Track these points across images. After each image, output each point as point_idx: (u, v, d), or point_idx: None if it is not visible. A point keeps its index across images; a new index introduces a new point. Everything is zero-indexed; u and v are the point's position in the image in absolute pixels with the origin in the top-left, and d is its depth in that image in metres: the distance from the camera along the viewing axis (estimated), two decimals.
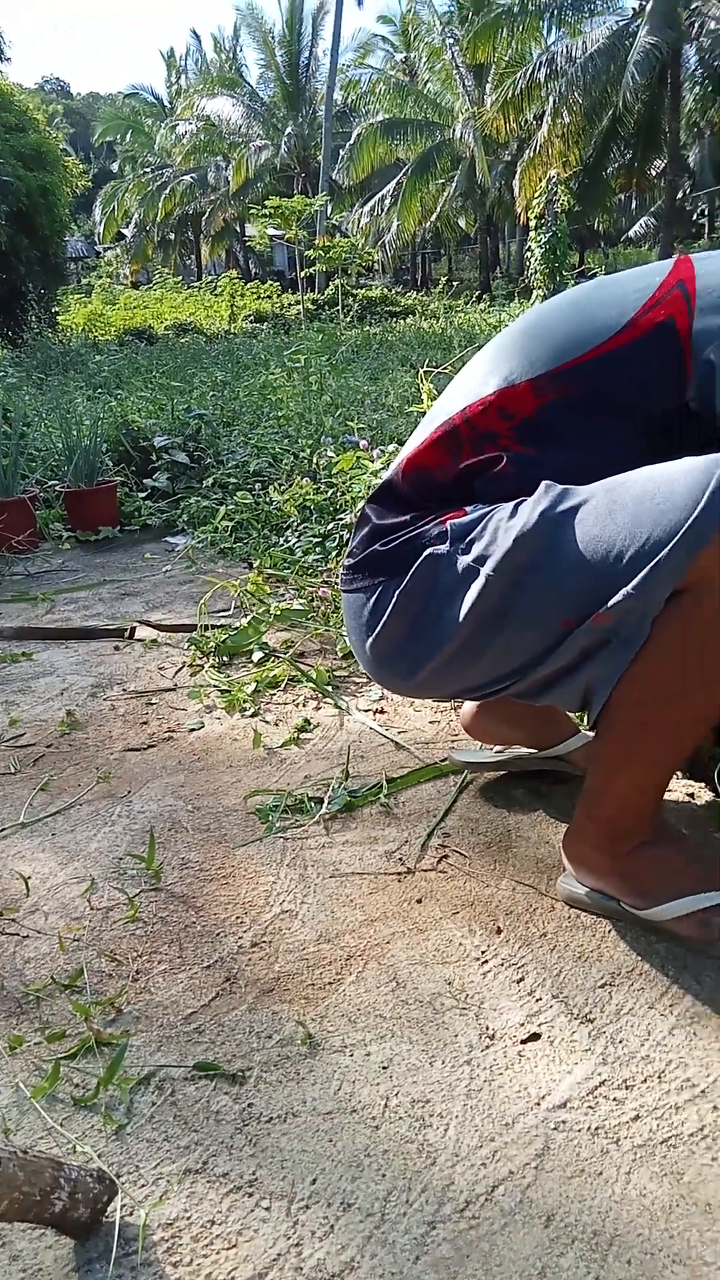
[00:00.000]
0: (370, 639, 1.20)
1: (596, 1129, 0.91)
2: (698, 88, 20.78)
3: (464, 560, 1.09)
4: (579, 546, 1.02)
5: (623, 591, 0.99)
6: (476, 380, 1.18)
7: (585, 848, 1.20)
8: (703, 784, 1.50)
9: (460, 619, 1.09)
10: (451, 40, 25.72)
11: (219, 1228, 0.84)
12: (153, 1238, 0.83)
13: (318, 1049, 1.03)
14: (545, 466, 1.11)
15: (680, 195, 23.90)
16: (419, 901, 1.27)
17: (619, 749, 1.11)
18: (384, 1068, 1.00)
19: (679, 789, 1.49)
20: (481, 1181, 0.86)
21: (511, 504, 1.09)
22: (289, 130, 30.04)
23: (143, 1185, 0.88)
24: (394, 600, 1.15)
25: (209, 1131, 0.94)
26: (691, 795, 1.48)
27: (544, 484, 1.07)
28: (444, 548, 1.11)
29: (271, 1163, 0.90)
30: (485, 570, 1.06)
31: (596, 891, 1.20)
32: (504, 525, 1.07)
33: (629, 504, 1.00)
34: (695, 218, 29.81)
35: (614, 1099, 0.94)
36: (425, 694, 1.28)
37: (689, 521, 0.95)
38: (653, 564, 0.97)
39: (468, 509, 1.13)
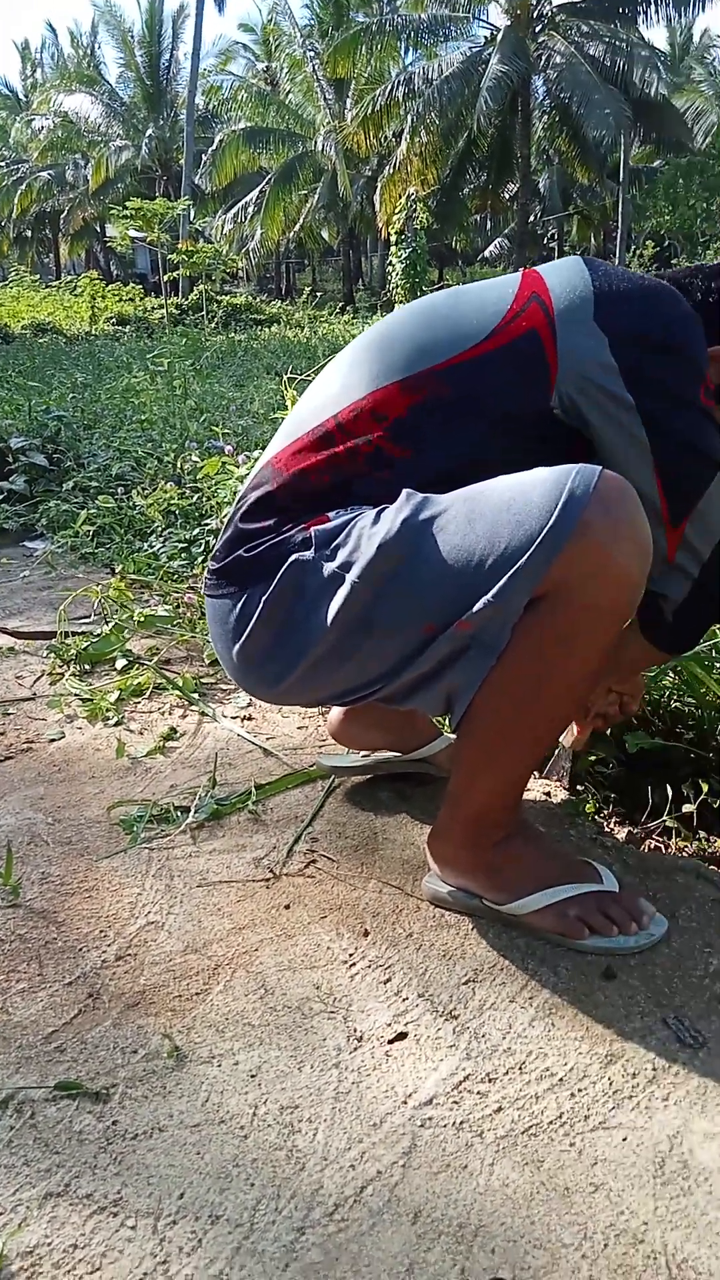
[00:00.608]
0: (237, 645, 1.19)
1: (461, 1123, 0.93)
2: (546, 117, 21.67)
3: (329, 567, 1.10)
4: (440, 554, 1.04)
5: (483, 599, 1.02)
6: (341, 384, 1.20)
7: (449, 847, 1.22)
8: (558, 782, 1.56)
9: (326, 625, 1.10)
10: (312, 53, 25.98)
11: (82, 1251, 0.81)
12: (11, 1268, 0.80)
13: (185, 1061, 1.01)
14: (421, 469, 1.13)
15: (532, 219, 24.83)
16: (287, 907, 1.27)
17: (479, 753, 1.14)
18: (252, 1076, 0.99)
19: (536, 788, 1.55)
20: (350, 1183, 0.87)
21: (374, 511, 1.11)
22: (150, 132, 29.63)
23: (0, 1213, 0.85)
24: (260, 607, 1.15)
25: (71, 1153, 0.91)
26: (548, 794, 1.54)
27: (405, 492, 1.09)
28: (309, 554, 1.12)
29: (137, 1180, 0.88)
30: (350, 577, 1.08)
31: (460, 890, 1.23)
32: (367, 532, 1.08)
33: (488, 513, 1.03)
34: (546, 240, 31.00)
35: (478, 1093, 0.96)
36: (291, 700, 1.28)
37: (545, 529, 0.99)
38: (511, 571, 1.00)
39: (330, 515, 1.14)
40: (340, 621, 1.09)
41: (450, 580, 1.04)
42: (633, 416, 1.10)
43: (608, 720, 1.47)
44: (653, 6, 20.27)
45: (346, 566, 1.08)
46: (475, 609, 1.02)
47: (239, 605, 1.17)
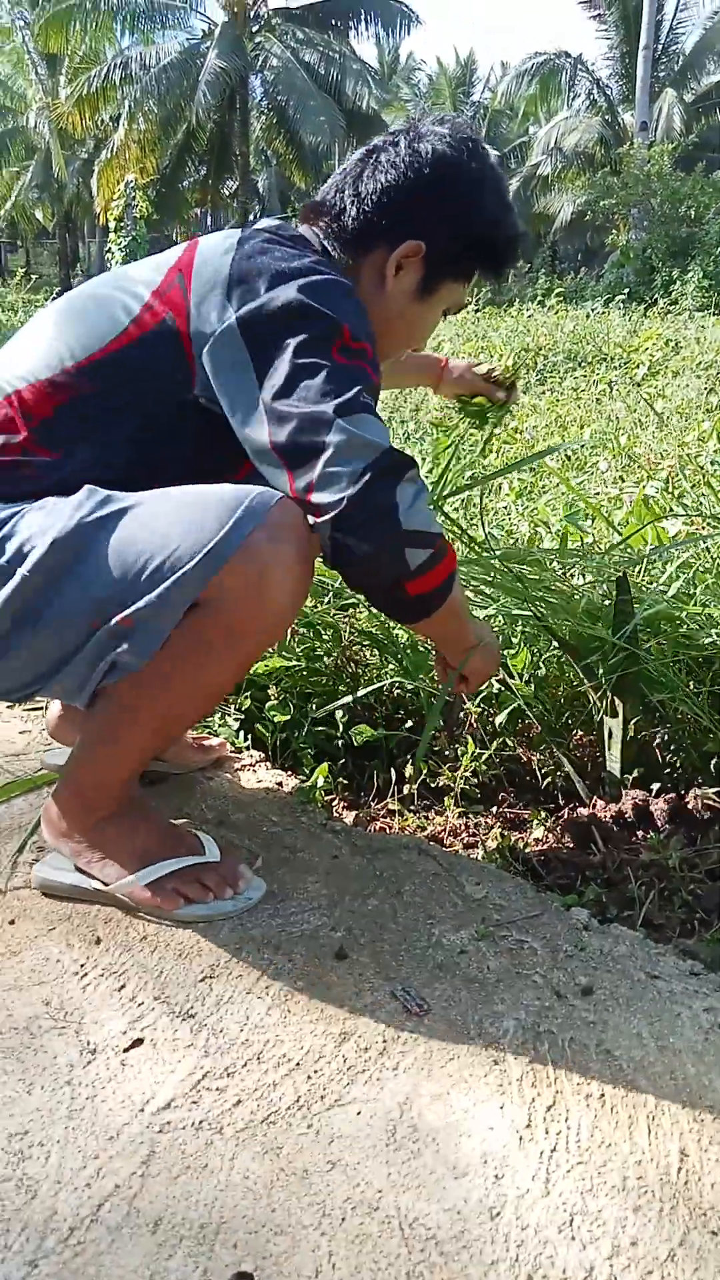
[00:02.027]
0: None
1: (201, 1122, 0.92)
2: (264, 117, 21.90)
3: None
4: (114, 553, 1.07)
5: (145, 598, 1.06)
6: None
7: (54, 811, 1.24)
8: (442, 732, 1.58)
9: None
10: (22, 22, 24.58)
11: None
12: None
13: None
14: (67, 468, 1.14)
15: (251, 218, 24.99)
16: (11, 923, 1.20)
17: (103, 728, 1.18)
18: None
19: (268, 778, 1.56)
20: (86, 1203, 0.84)
21: (44, 504, 1.11)
22: None
23: None
24: None
25: None
26: (279, 784, 1.55)
27: (87, 488, 1.11)
28: None
29: None
30: (21, 570, 1.08)
31: (77, 871, 1.24)
32: (40, 526, 1.09)
33: (164, 517, 1.08)
34: None
35: (217, 1089, 0.96)
36: None
37: (212, 542, 1.04)
38: (176, 576, 1.05)
39: None
40: (8, 614, 1.09)
41: (120, 579, 1.07)
42: (252, 386, 1.08)
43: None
44: (363, 23, 21.10)
45: (17, 559, 1.09)
46: (136, 607, 1.06)
47: None
